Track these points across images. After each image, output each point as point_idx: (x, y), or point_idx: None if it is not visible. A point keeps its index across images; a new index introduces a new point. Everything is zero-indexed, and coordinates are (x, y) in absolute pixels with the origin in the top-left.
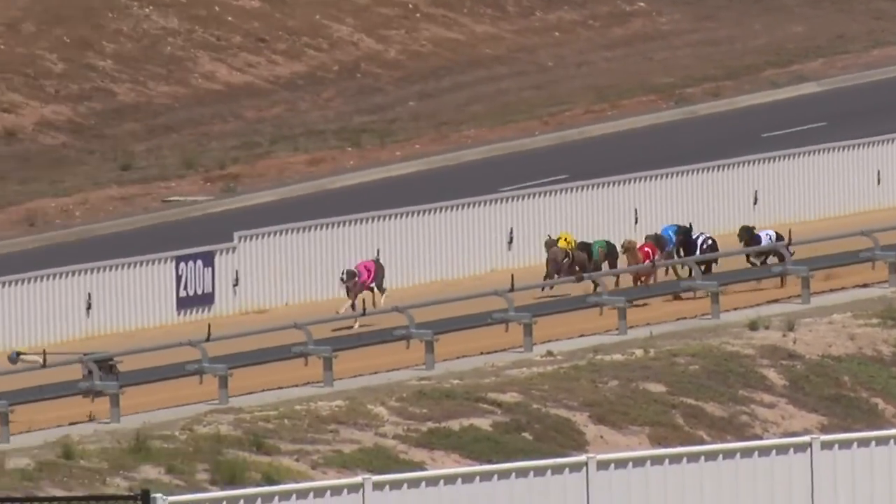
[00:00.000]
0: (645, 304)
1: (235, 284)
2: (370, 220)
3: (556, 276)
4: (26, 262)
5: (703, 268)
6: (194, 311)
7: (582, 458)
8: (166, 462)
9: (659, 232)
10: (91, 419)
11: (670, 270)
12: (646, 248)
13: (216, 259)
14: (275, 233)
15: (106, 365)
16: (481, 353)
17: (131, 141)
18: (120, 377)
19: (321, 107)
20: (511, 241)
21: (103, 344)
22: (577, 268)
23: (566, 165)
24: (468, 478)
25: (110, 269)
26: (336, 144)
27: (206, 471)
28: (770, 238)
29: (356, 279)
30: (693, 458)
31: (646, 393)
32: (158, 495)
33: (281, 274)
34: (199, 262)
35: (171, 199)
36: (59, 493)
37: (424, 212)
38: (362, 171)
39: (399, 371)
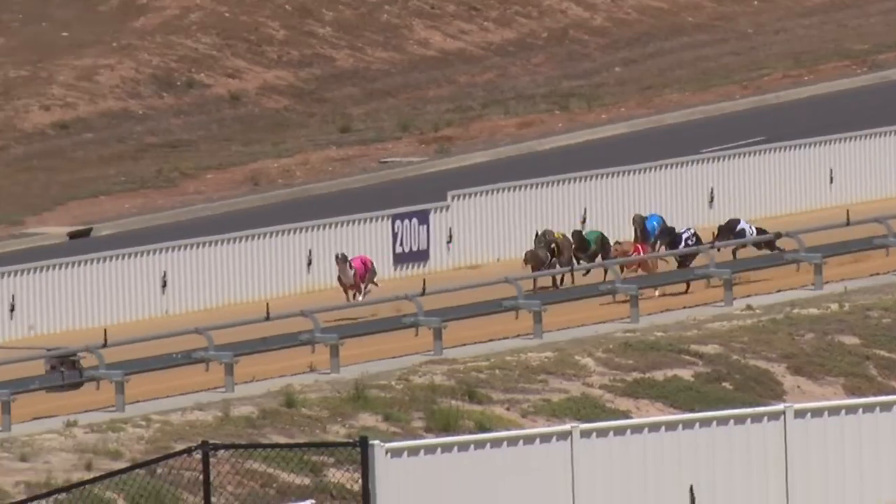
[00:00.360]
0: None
1: (449, 241)
2: (577, 181)
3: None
4: (250, 220)
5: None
6: (410, 267)
7: (780, 406)
8: (383, 410)
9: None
10: (312, 370)
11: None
12: (637, 246)
13: (431, 217)
14: (486, 192)
15: (69, 361)
16: (684, 308)
17: (350, 105)
18: (84, 373)
19: (531, 72)
20: (712, 200)
21: (324, 298)
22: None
23: (763, 128)
24: (671, 426)
25: (330, 227)
26: (545, 108)
27: (422, 419)
28: (752, 231)
29: (349, 263)
30: (885, 407)
31: (840, 345)
32: (376, 442)
33: (492, 231)
34: (415, 220)
35: (388, 160)
36: (281, 439)
37: (629, 172)
38: (570, 134)
39: (605, 324)
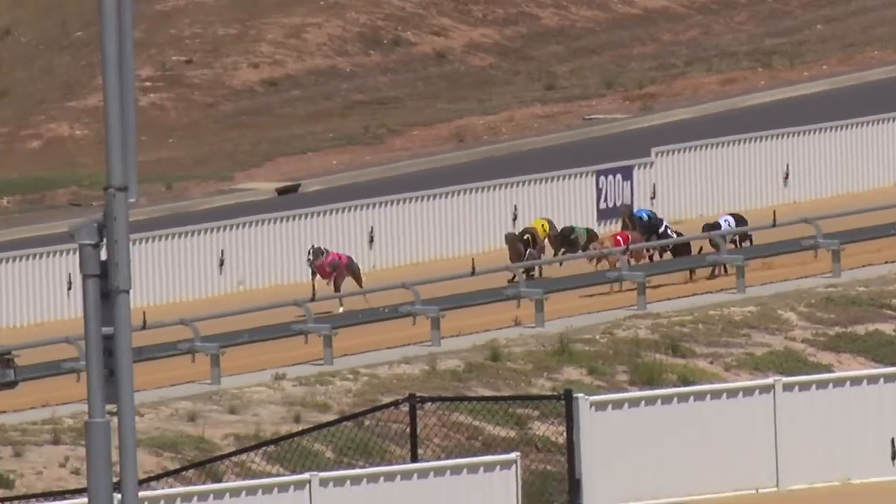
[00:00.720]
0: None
1: (652, 197)
2: (779, 137)
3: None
4: (455, 176)
5: (662, 255)
6: (614, 222)
7: None
8: (587, 364)
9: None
10: (517, 324)
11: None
12: (618, 237)
13: (634, 173)
14: (690, 148)
15: (3, 359)
16: (885, 263)
17: (554, 62)
18: (17, 371)
19: (734, 30)
20: None
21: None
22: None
23: None
24: (873, 379)
25: (534, 183)
26: (748, 65)
27: (625, 372)
28: (729, 223)
29: (322, 259)
30: None
31: None
32: (580, 395)
33: (695, 187)
34: (619, 176)
35: (592, 116)
36: (486, 392)
37: (831, 129)
38: (772, 91)
39: (808, 279)
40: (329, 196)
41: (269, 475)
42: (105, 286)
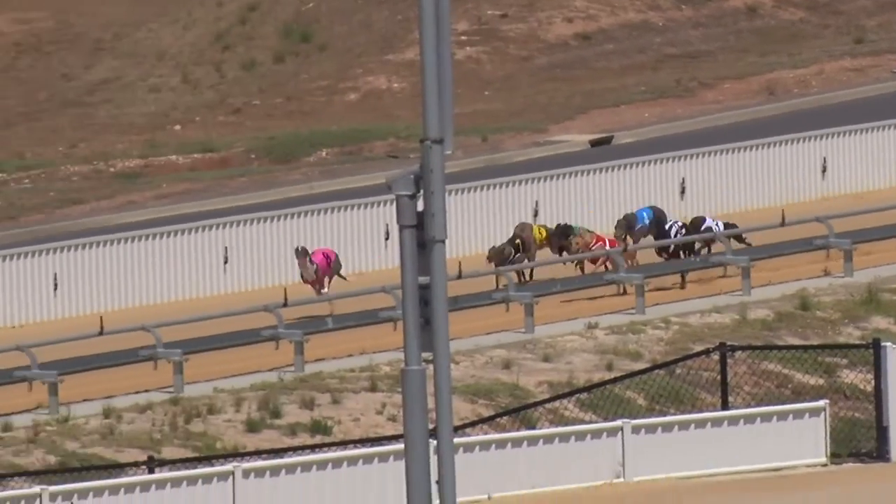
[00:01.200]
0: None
1: None
2: None
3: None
4: (765, 128)
5: (665, 255)
6: None
7: None
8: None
9: (634, 212)
10: (826, 274)
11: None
12: (600, 242)
13: None
14: None
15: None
16: None
17: (863, 16)
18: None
19: None
20: None
21: (838, 205)
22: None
23: None
24: None
25: (844, 135)
26: None
27: None
28: (719, 226)
29: (308, 257)
30: None
31: None
32: (888, 344)
33: None
34: None
35: None
36: (795, 341)
37: None
38: None
39: None
40: (641, 148)
41: (582, 422)
42: (421, 236)
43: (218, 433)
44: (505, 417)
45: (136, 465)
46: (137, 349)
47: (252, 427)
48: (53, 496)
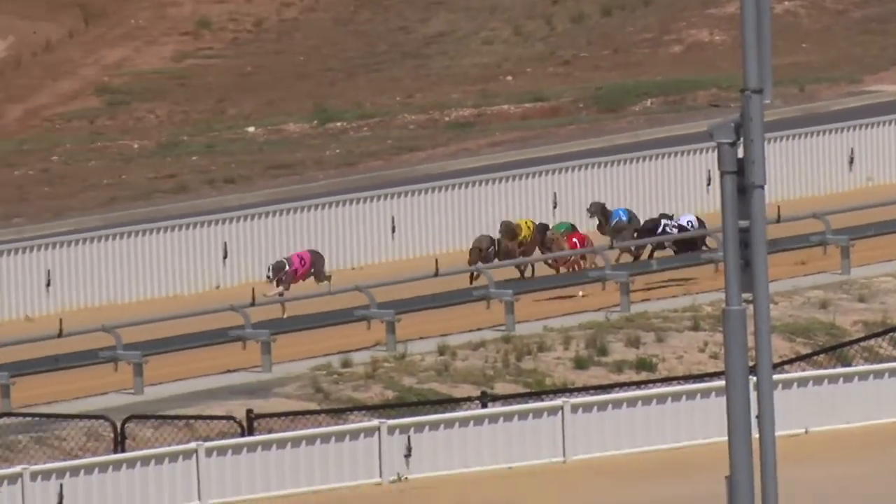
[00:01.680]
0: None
1: None
2: None
3: (478, 263)
4: None
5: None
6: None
7: None
8: None
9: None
10: None
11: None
12: (574, 239)
13: None
14: None
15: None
16: None
17: None
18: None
19: None
20: None
21: None
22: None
23: None
24: None
25: None
26: None
27: None
28: (692, 224)
29: (285, 270)
30: None
31: None
32: None
33: None
34: None
35: None
36: None
37: None
38: None
39: None
40: None
41: None
42: (741, 182)
43: (547, 370)
44: (822, 355)
45: (469, 399)
46: (471, 289)
47: (580, 364)
48: (391, 429)
